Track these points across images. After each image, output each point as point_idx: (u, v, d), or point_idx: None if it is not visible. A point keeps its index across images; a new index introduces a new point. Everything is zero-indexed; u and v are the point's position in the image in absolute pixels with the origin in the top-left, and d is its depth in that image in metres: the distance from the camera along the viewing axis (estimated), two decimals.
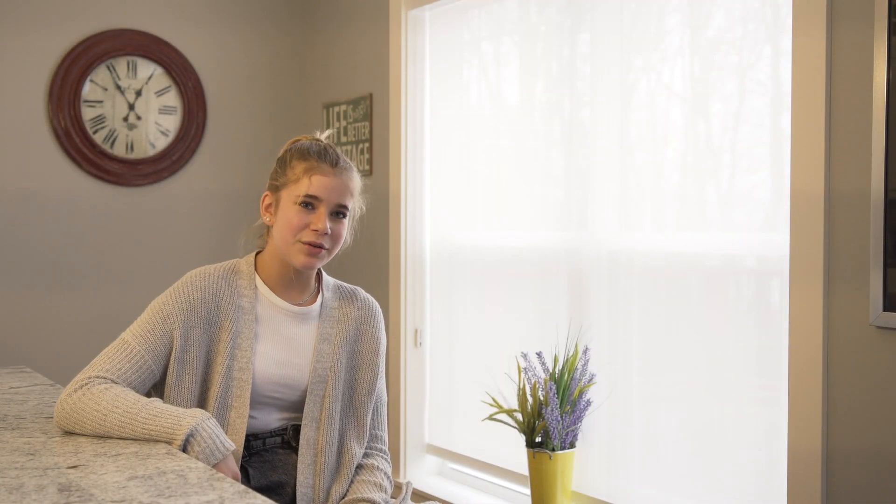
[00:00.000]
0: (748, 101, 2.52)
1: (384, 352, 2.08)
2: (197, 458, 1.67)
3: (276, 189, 1.97)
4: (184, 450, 1.69)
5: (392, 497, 2.02)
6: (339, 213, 1.94)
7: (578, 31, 2.96)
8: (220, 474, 1.51)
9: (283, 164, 1.97)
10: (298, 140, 2.01)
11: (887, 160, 2.08)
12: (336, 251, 1.97)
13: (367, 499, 1.91)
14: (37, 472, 1.51)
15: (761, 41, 2.50)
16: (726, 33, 2.58)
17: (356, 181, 1.99)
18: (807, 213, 2.25)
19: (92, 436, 1.76)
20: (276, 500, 1.90)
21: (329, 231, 1.91)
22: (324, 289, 2.04)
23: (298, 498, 1.91)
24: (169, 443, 1.70)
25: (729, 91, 2.56)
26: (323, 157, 1.94)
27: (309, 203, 1.91)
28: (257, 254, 2.03)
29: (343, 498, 1.96)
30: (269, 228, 2.00)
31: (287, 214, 1.92)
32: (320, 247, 1.91)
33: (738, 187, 2.55)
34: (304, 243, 1.91)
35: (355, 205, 2.00)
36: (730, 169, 2.58)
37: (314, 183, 1.91)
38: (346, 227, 1.97)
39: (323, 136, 2.04)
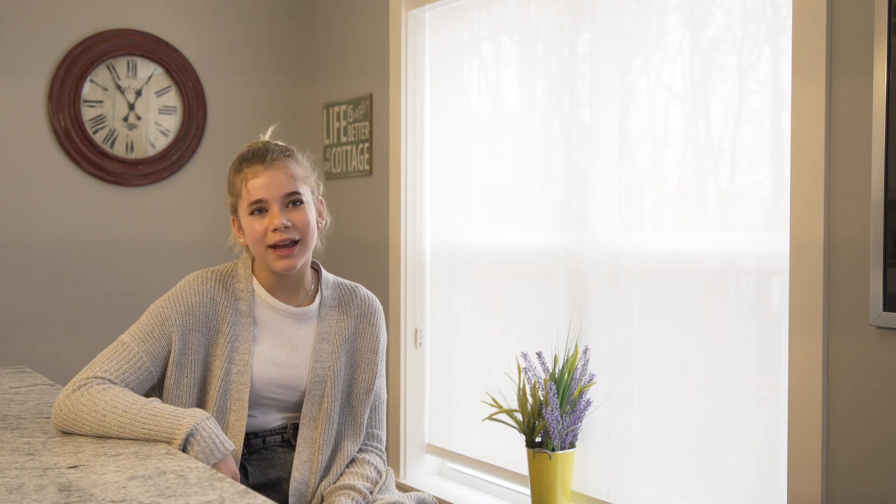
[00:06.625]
0: (748, 101, 2.52)
1: (384, 350, 2.08)
2: (196, 458, 1.67)
3: (234, 210, 1.98)
4: (183, 449, 1.69)
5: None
6: (292, 202, 1.92)
7: (578, 31, 2.96)
8: (220, 474, 1.51)
9: (229, 184, 1.98)
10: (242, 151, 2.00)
11: (887, 160, 2.08)
12: (311, 238, 1.94)
13: (349, 485, 1.92)
14: (37, 472, 1.51)
15: (761, 41, 2.50)
16: (726, 33, 2.58)
17: (294, 165, 1.95)
18: (807, 212, 2.25)
19: (91, 436, 1.76)
20: (273, 497, 1.91)
21: (289, 223, 1.90)
22: (322, 287, 2.04)
23: (291, 493, 1.91)
24: (168, 442, 1.70)
25: (729, 91, 2.56)
26: (251, 160, 1.94)
27: (258, 209, 1.91)
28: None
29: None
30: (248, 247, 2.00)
31: (247, 228, 1.93)
32: (290, 244, 1.90)
33: (738, 187, 2.55)
34: (272, 248, 1.90)
35: (308, 186, 1.97)
36: (730, 169, 2.58)
37: (250, 189, 1.91)
38: (309, 212, 1.94)
39: (267, 134, 2.04)
